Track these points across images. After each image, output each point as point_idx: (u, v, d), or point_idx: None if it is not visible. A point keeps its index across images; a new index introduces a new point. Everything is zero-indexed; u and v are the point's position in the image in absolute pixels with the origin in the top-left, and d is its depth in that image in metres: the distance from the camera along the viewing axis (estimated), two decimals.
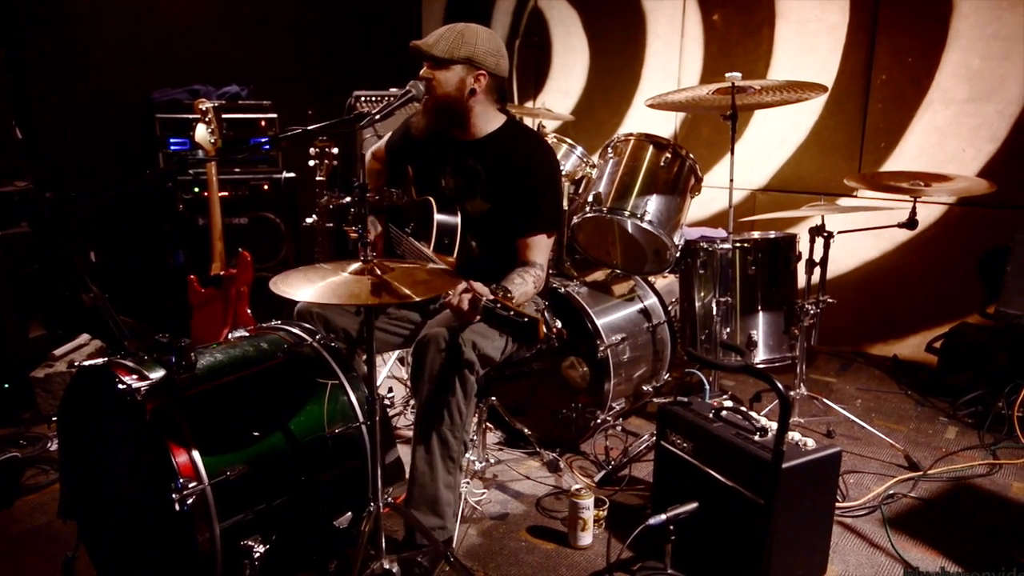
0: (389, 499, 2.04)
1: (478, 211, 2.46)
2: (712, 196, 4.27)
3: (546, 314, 2.58)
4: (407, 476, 2.32)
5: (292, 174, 4.20)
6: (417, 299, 1.80)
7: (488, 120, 2.47)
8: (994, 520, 2.59)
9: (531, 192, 2.40)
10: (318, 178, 3.16)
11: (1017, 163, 3.69)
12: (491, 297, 1.93)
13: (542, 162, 2.46)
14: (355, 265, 1.87)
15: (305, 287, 1.78)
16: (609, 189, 3.05)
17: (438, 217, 2.41)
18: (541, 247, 2.42)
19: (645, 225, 2.97)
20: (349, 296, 1.77)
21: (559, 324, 2.60)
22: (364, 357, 2.06)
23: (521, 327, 1.79)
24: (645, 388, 3.12)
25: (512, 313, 1.81)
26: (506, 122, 2.50)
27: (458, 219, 2.43)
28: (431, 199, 2.44)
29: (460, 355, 2.19)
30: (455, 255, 2.40)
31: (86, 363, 1.94)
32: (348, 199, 2.33)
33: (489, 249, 2.48)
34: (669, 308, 3.27)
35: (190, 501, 1.72)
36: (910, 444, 3.10)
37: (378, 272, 1.84)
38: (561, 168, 3.04)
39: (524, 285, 2.31)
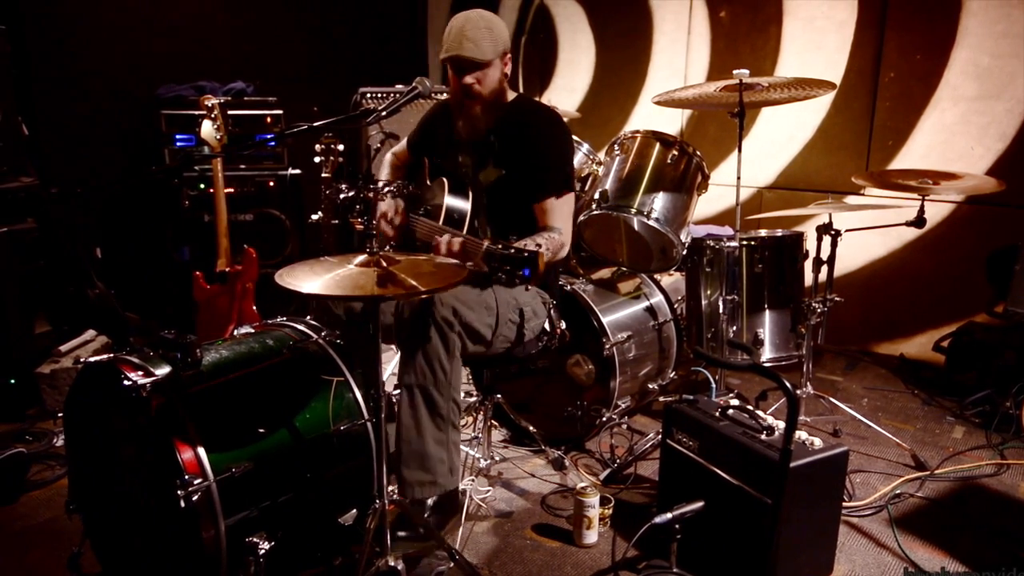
0: (395, 496, 2.04)
1: (491, 180, 2.49)
2: (719, 194, 4.26)
3: (552, 311, 2.58)
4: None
5: (298, 171, 4.21)
6: (423, 291, 1.79)
7: (505, 93, 2.54)
8: (1001, 520, 2.57)
9: (541, 153, 2.44)
10: (324, 175, 3.15)
11: None
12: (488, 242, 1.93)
13: (551, 124, 2.51)
14: (361, 257, 1.86)
15: (311, 280, 1.78)
16: (615, 186, 3.04)
17: (448, 197, 2.44)
18: (557, 210, 2.44)
19: (651, 223, 2.96)
20: (354, 288, 1.76)
21: (563, 324, 2.61)
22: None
23: (522, 261, 1.79)
24: (651, 386, 3.11)
25: (512, 251, 1.81)
26: (517, 96, 2.58)
27: (468, 197, 2.46)
28: (444, 179, 2.47)
29: (439, 313, 2.20)
30: (464, 231, 2.41)
31: (92, 359, 1.94)
32: (352, 192, 2.32)
33: (502, 221, 2.50)
34: (675, 306, 3.26)
35: (195, 498, 1.72)
36: (917, 443, 3.09)
37: (384, 264, 1.83)
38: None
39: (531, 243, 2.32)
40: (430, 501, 2.30)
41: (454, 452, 2.31)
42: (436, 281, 1.82)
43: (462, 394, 2.37)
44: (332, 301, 2.44)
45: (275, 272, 1.82)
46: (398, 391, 2.22)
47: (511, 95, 2.57)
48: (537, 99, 5.18)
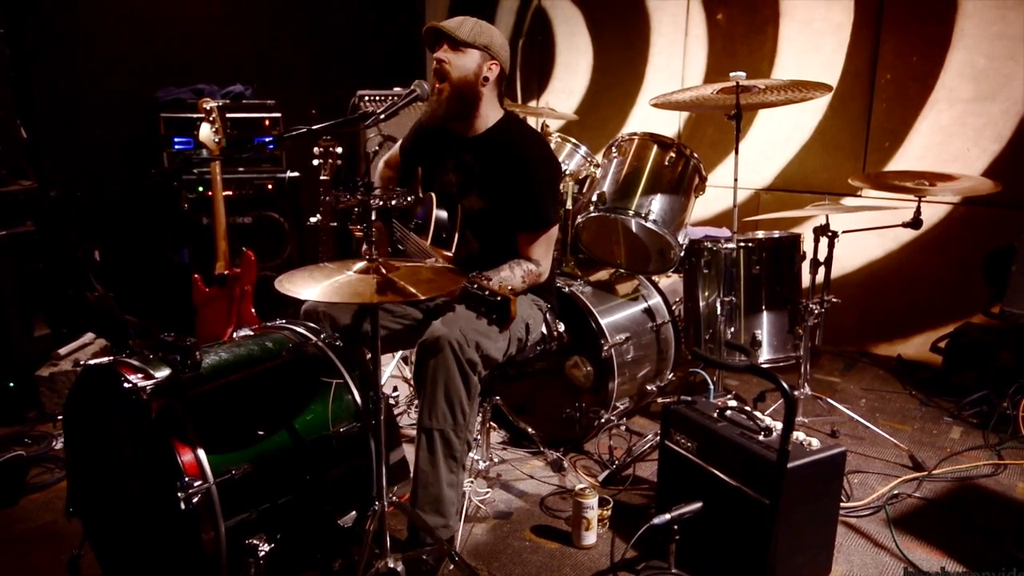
0: (394, 498, 2.04)
1: (474, 208, 2.47)
2: (716, 195, 4.26)
3: (548, 315, 2.59)
4: (411, 476, 2.32)
5: (296, 173, 4.22)
6: (422, 297, 1.80)
7: (490, 114, 2.48)
8: (999, 520, 2.58)
9: (525, 191, 2.40)
10: (322, 177, 3.16)
11: (1022, 163, 3.68)
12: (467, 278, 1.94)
13: (535, 159, 2.45)
14: (360, 264, 1.87)
15: (310, 286, 1.78)
16: (613, 188, 3.05)
17: (437, 212, 2.44)
18: (539, 244, 2.43)
19: (649, 224, 2.97)
20: (354, 295, 1.77)
21: (561, 327, 2.61)
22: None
23: (493, 305, 1.81)
24: (649, 388, 3.12)
25: (487, 293, 1.83)
26: (503, 117, 2.50)
27: (455, 215, 2.45)
28: (432, 194, 2.46)
29: (464, 355, 2.19)
30: (452, 249, 2.41)
31: (91, 362, 1.94)
32: (353, 199, 2.34)
33: (488, 245, 2.49)
34: (673, 307, 3.27)
35: (195, 500, 1.73)
36: (914, 444, 3.09)
37: (383, 271, 1.84)
38: (561, 164, 3.03)
39: (509, 276, 2.33)
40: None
41: (459, 492, 2.32)
42: (434, 288, 1.83)
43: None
44: (320, 321, 2.44)
45: (274, 275, 1.82)
46: (396, 393, 2.22)
47: (497, 112, 2.49)
48: (537, 104, 5.25)
